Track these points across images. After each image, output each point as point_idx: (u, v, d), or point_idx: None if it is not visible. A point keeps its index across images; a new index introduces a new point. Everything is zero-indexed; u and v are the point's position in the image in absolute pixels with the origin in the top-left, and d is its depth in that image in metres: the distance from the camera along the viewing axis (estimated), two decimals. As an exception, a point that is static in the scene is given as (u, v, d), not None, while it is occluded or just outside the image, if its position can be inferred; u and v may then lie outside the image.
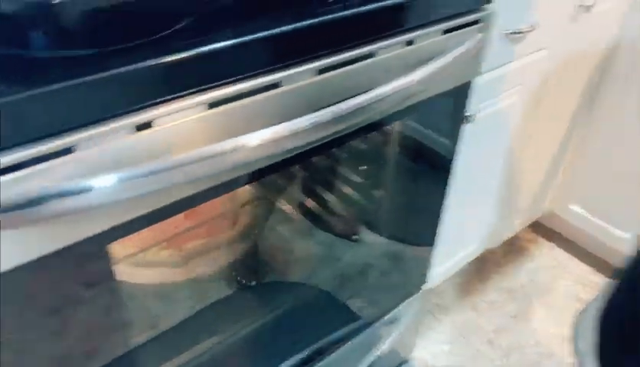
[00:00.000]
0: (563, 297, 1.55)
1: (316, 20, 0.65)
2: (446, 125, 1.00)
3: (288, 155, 0.70)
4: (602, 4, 1.21)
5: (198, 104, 0.58)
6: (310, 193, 1.10)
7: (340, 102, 0.69)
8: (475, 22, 0.87)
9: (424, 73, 0.78)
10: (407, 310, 1.25)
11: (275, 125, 0.62)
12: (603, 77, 1.41)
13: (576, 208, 1.61)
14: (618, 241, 1.48)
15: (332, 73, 0.70)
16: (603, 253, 1.61)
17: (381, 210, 1.09)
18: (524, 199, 1.51)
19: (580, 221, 1.60)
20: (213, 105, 0.59)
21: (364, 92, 0.72)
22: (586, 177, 1.55)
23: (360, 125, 0.76)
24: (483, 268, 1.62)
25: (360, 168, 1.08)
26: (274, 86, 0.64)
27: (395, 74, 0.76)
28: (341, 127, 0.70)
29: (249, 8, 0.64)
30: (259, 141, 0.61)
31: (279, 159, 0.70)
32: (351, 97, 0.71)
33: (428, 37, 0.80)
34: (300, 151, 0.71)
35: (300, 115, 0.65)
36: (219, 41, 0.57)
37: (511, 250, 1.69)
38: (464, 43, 0.85)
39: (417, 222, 1.14)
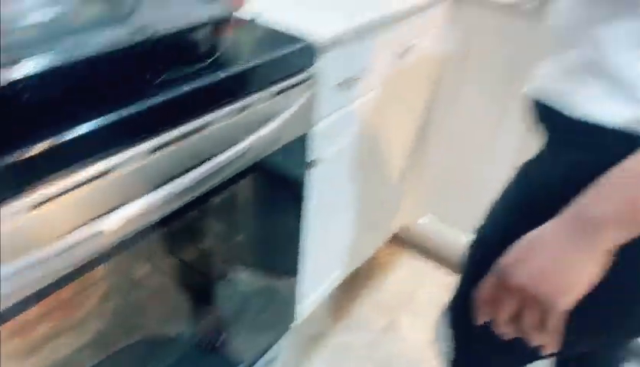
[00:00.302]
0: (427, 304, 1.69)
1: (143, 104, 0.68)
2: (294, 171, 1.08)
3: (132, 235, 0.72)
4: (422, 43, 1.36)
5: (22, 208, 0.58)
6: (171, 251, 1.11)
7: (178, 176, 0.73)
8: (305, 80, 0.94)
9: (260, 135, 0.84)
10: (284, 345, 1.30)
11: (110, 212, 0.65)
12: (433, 100, 1.57)
13: (427, 217, 1.77)
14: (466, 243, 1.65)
15: (168, 149, 0.73)
16: (457, 256, 1.78)
17: (247, 250, 1.13)
18: (380, 217, 1.63)
19: (433, 229, 1.77)
20: (39, 204, 0.60)
21: (204, 162, 0.76)
22: (432, 188, 1.71)
23: (207, 189, 0.80)
24: (352, 288, 1.72)
25: (220, 216, 1.12)
26: (107, 172, 0.66)
27: (232, 140, 0.81)
28: (181, 201, 0.74)
29: (73, 97, 0.66)
30: (97, 230, 0.63)
31: (125, 239, 0.72)
32: (192, 168, 0.75)
33: (260, 102, 0.86)
34: (144, 227, 0.73)
35: (138, 196, 0.68)
36: (36, 141, 0.58)
37: (375, 266, 1.81)
38: (296, 102, 0.92)
39: (281, 257, 1.20)
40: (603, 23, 0.59)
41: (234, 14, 0.90)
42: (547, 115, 0.66)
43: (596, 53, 0.59)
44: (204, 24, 0.79)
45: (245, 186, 1.00)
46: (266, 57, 0.86)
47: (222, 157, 0.79)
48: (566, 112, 0.62)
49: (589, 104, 0.60)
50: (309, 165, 1.10)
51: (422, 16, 1.31)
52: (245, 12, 0.96)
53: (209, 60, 0.79)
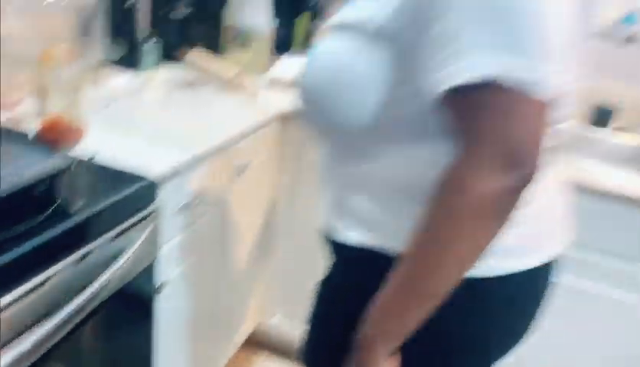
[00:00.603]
0: (283, 404, 1.72)
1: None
2: (143, 297, 1.08)
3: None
4: (255, 163, 1.47)
5: None
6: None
7: (24, 335, 0.72)
8: (147, 216, 0.98)
9: (105, 278, 0.86)
10: None
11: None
12: (274, 207, 1.68)
13: (277, 317, 1.82)
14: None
15: (6, 312, 0.71)
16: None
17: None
18: (231, 324, 1.66)
19: (284, 328, 1.82)
20: None
21: (46, 318, 0.75)
22: (280, 288, 1.78)
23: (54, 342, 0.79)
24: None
25: (65, 356, 1.07)
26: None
27: (75, 289, 0.81)
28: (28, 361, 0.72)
29: None
30: None
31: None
32: (34, 326, 0.74)
33: (103, 246, 0.88)
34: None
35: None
36: None
37: (231, 372, 1.80)
38: (139, 238, 0.95)
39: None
40: (341, 169, 0.79)
41: (70, 154, 0.92)
42: (326, 239, 0.85)
43: (340, 194, 0.79)
44: (42, 178, 0.80)
45: (94, 322, 0.98)
46: (107, 201, 0.88)
47: (66, 311, 0.79)
48: (333, 237, 0.81)
49: (343, 231, 0.79)
50: (157, 290, 1.11)
51: (254, 136, 1.42)
52: (82, 150, 0.98)
53: (47, 213, 0.80)
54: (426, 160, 0.68)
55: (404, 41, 0.66)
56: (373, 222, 0.75)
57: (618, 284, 1.45)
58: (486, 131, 0.59)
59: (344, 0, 0.75)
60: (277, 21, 1.79)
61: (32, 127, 1.02)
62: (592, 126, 1.84)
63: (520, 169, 0.59)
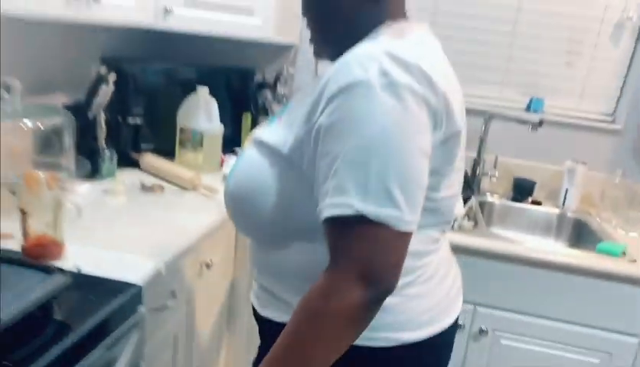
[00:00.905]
0: None
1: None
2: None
3: None
4: (218, 256, 1.56)
5: None
6: None
7: None
8: (134, 321, 1.05)
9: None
10: None
11: None
12: (233, 295, 1.76)
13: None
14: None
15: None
16: None
17: None
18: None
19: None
20: None
21: None
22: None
23: None
24: None
25: None
26: None
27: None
28: None
29: None
30: None
31: None
32: None
33: (99, 358, 0.93)
34: None
35: None
36: None
37: None
38: (129, 344, 1.02)
39: None
40: (261, 257, 0.95)
41: (61, 270, 0.98)
42: (256, 319, 1.00)
43: (262, 278, 0.96)
44: (45, 300, 0.87)
45: None
46: (101, 312, 0.95)
47: None
48: (261, 316, 0.96)
49: (266, 311, 0.95)
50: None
51: (213, 236, 1.52)
52: (66, 263, 1.05)
53: (45, 332, 0.86)
54: (324, 253, 0.79)
55: (304, 168, 0.83)
56: (288, 302, 0.89)
57: (537, 341, 1.65)
58: (351, 253, 0.73)
59: (286, 100, 0.92)
60: (225, 120, 1.93)
61: (18, 245, 1.08)
62: (512, 200, 2.07)
63: (378, 286, 0.73)
